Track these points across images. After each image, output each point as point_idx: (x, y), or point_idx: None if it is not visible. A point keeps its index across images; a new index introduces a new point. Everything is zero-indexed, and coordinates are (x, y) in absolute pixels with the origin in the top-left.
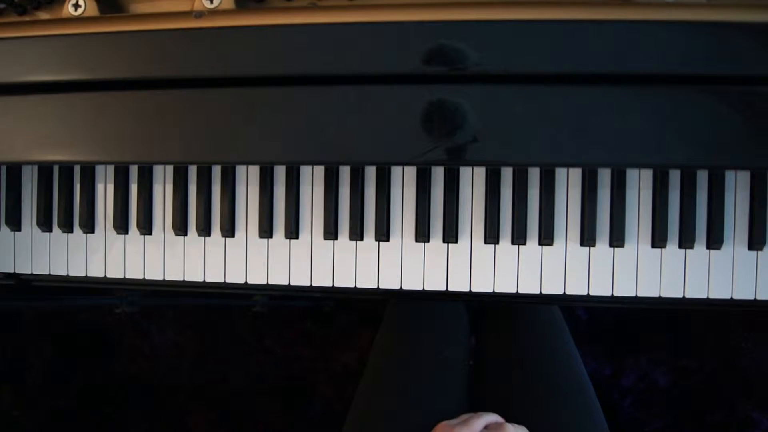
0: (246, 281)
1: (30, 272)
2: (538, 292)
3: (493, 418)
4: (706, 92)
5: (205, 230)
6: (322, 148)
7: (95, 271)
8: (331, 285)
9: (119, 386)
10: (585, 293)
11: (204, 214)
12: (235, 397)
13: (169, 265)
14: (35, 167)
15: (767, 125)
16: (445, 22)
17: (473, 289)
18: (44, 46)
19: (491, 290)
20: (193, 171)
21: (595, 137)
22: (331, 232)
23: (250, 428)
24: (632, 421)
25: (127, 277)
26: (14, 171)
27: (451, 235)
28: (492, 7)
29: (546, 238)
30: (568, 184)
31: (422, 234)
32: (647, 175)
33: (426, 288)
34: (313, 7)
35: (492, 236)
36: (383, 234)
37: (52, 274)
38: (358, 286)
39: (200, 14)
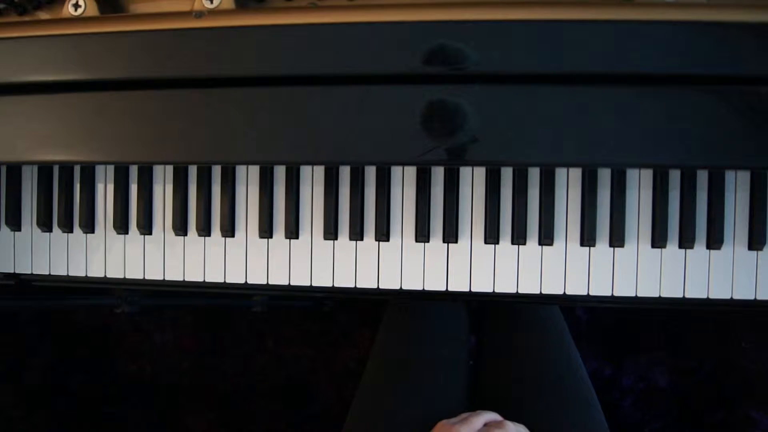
0: (246, 281)
1: (30, 272)
2: (538, 292)
3: (492, 416)
4: (706, 92)
5: (205, 230)
6: (322, 148)
7: (95, 271)
8: (331, 285)
9: (119, 386)
10: (585, 293)
11: (204, 214)
12: (235, 397)
13: (169, 265)
14: (35, 167)
15: (767, 125)
16: (445, 22)
17: (473, 289)
18: (44, 46)
19: (491, 290)
20: (193, 171)
21: (595, 137)
22: (331, 232)
23: (250, 428)
24: (632, 421)
25: (127, 277)
26: (14, 171)
27: (451, 235)
28: (492, 7)
29: (546, 238)
30: (568, 184)
31: (422, 234)
32: (647, 175)
33: (426, 288)
34: (313, 7)
35: (492, 236)
36: (383, 234)
37: (52, 274)
38: (358, 286)
39: (200, 14)
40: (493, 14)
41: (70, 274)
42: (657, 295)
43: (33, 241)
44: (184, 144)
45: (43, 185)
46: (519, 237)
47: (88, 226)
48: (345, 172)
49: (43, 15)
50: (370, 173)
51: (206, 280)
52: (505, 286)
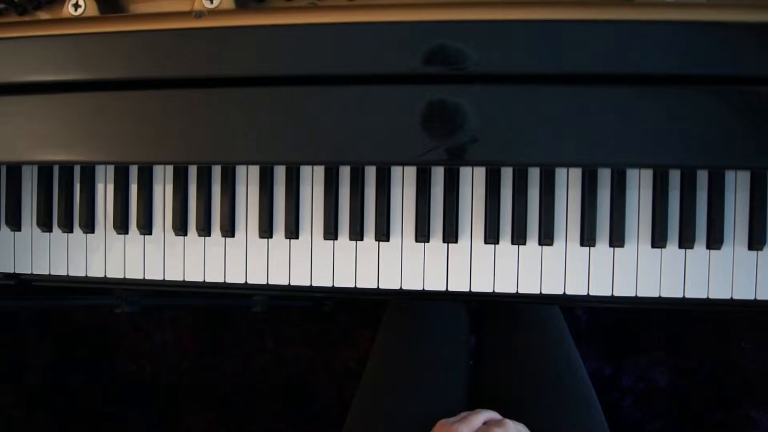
0: (246, 281)
1: (30, 272)
2: (538, 292)
3: (492, 415)
4: (706, 92)
5: (205, 230)
6: (322, 148)
7: (95, 271)
8: (331, 285)
9: (119, 386)
10: (585, 293)
11: (204, 214)
12: (235, 397)
13: (169, 265)
14: (35, 167)
15: (767, 125)
16: (445, 22)
17: (473, 289)
18: (44, 46)
19: (491, 290)
20: (193, 171)
21: (595, 137)
22: (331, 232)
23: (250, 428)
24: (632, 421)
25: (127, 277)
26: (14, 171)
27: (451, 235)
28: (492, 7)
29: (546, 238)
30: (568, 184)
31: (422, 234)
32: (647, 175)
33: (426, 288)
34: (313, 7)
35: (492, 236)
36: (383, 234)
37: (52, 274)
38: (358, 286)
39: (200, 14)
40: (493, 14)
41: (70, 274)
42: (657, 295)
43: (33, 241)
44: (184, 144)
45: (43, 185)
46: (519, 237)
47: (88, 226)
48: (345, 172)
49: (43, 15)
50: (370, 173)
51: (206, 280)
52: (505, 286)
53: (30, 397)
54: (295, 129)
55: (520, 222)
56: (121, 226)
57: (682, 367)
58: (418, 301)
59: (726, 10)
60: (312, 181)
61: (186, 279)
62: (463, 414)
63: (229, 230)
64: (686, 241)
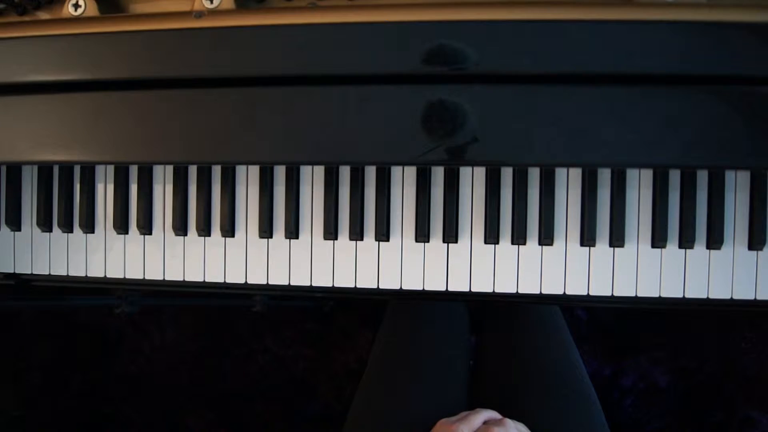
0: (246, 281)
1: (30, 272)
2: (538, 292)
3: (491, 414)
4: (706, 92)
5: (205, 230)
6: (322, 148)
7: (95, 271)
8: (331, 285)
9: (119, 386)
10: (585, 293)
11: (204, 214)
12: (235, 397)
13: (169, 265)
14: (35, 167)
15: (767, 125)
16: (445, 22)
17: (473, 289)
18: (44, 46)
19: (491, 290)
20: (193, 171)
21: (595, 137)
22: (331, 232)
23: (250, 428)
24: (632, 421)
25: (127, 277)
26: (14, 171)
27: (451, 235)
28: (492, 7)
29: (546, 238)
30: (568, 184)
31: (422, 234)
32: (647, 175)
33: (426, 288)
34: (313, 7)
35: (492, 236)
36: (383, 234)
37: (52, 274)
38: (358, 286)
39: (200, 14)
40: (493, 14)
41: (70, 274)
42: (657, 295)
43: (33, 241)
44: (184, 144)
45: (43, 185)
46: (519, 237)
47: (88, 226)
48: (345, 172)
49: (43, 15)
50: (370, 173)
51: (206, 280)
52: (505, 286)
53: (30, 397)
54: (295, 129)
55: (520, 222)
56: (121, 226)
57: (682, 367)
58: (418, 301)
59: (726, 10)
60: (312, 181)
61: (186, 279)
62: (463, 413)
63: (229, 230)
64: (686, 241)
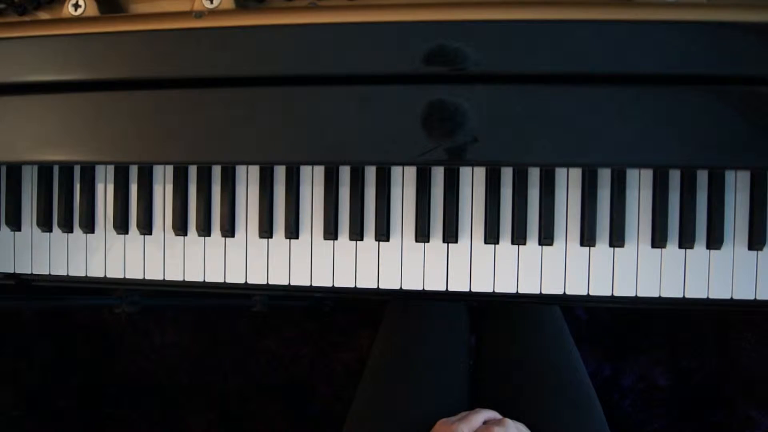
0: (246, 281)
1: (30, 272)
2: (538, 292)
3: (491, 414)
4: (706, 92)
5: (205, 230)
6: (322, 148)
7: (95, 271)
8: (331, 285)
9: (119, 386)
10: (585, 293)
11: (204, 214)
12: (235, 397)
13: (169, 265)
14: (35, 167)
15: (767, 125)
16: (445, 22)
17: (473, 289)
18: (44, 46)
19: (491, 290)
20: (193, 171)
21: (595, 137)
22: (331, 232)
23: (250, 428)
24: (632, 421)
25: (127, 277)
26: (14, 171)
27: (451, 235)
28: (492, 7)
29: (546, 238)
30: (568, 184)
31: (422, 234)
32: (647, 175)
33: (426, 288)
34: (313, 7)
35: (492, 236)
36: (383, 234)
37: (52, 274)
38: (358, 286)
39: (200, 14)
40: (493, 14)
41: (70, 274)
42: (657, 295)
43: (33, 241)
44: (184, 144)
45: (43, 185)
46: (519, 237)
47: (88, 226)
48: (345, 172)
49: (43, 15)
50: (370, 173)
51: (206, 280)
52: (505, 286)
53: (30, 397)
54: (295, 129)
55: (520, 222)
56: (121, 226)
57: (682, 367)
58: (418, 301)
59: (726, 10)
60: (312, 181)
61: (186, 279)
62: (463, 413)
63: (229, 230)
64: (686, 241)
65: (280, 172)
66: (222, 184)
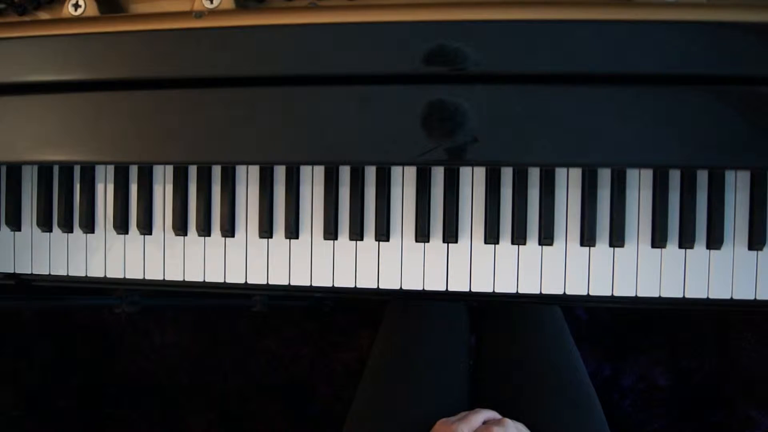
0: (246, 281)
1: (30, 272)
2: (538, 292)
3: (491, 414)
4: (706, 92)
5: (205, 230)
6: (322, 148)
7: (95, 271)
8: (331, 285)
9: (119, 386)
10: (585, 293)
11: (204, 214)
12: (235, 397)
13: (169, 265)
14: (35, 167)
15: (767, 125)
16: (445, 22)
17: (473, 289)
18: (44, 46)
19: (491, 290)
20: (193, 171)
21: (595, 137)
22: (331, 232)
23: (250, 428)
24: (632, 421)
25: (127, 277)
26: (14, 171)
27: (451, 235)
28: (492, 7)
29: (546, 238)
30: (568, 184)
31: (422, 234)
32: (647, 175)
33: (426, 288)
34: (313, 7)
35: (492, 236)
36: (383, 234)
37: (52, 274)
38: (358, 286)
39: (200, 14)
40: (493, 14)
41: (70, 274)
42: (657, 295)
43: (33, 241)
44: (184, 144)
45: (43, 185)
46: (519, 237)
47: (88, 226)
48: (345, 172)
49: (43, 15)
50: (370, 173)
51: (206, 280)
52: (505, 286)
53: (30, 397)
54: (295, 129)
55: (520, 222)
56: (121, 226)
57: (682, 367)
58: (418, 301)
59: (726, 10)
60: (312, 181)
61: (186, 279)
62: (463, 413)
63: (229, 230)
64: (686, 241)
65: (280, 172)
66: (222, 184)
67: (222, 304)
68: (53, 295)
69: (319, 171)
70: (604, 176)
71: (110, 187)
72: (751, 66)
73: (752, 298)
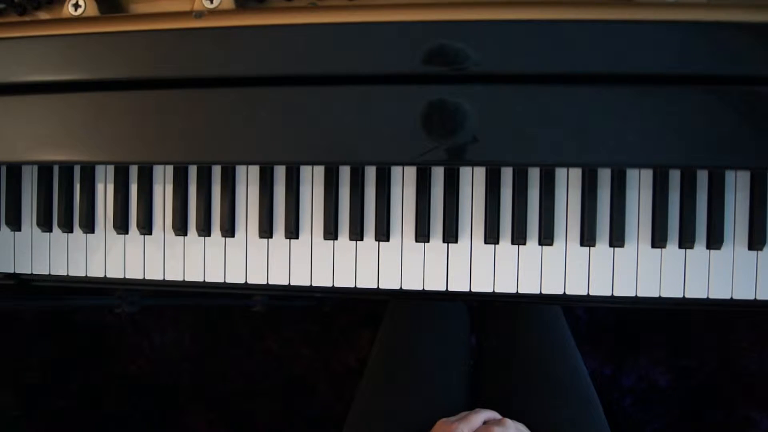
0: (246, 281)
1: (30, 272)
2: (538, 292)
3: (491, 414)
4: (706, 92)
5: (205, 230)
6: (322, 148)
7: (95, 271)
8: (331, 285)
9: (119, 386)
10: (585, 293)
11: (204, 214)
12: (235, 397)
13: (169, 265)
14: (35, 167)
15: (767, 125)
16: (445, 22)
17: (473, 289)
18: (44, 46)
19: (491, 290)
20: (193, 171)
21: (595, 137)
22: (331, 232)
23: (250, 428)
24: (632, 421)
25: (127, 277)
26: (14, 171)
27: (451, 235)
28: (492, 7)
29: (546, 238)
30: (568, 184)
31: (422, 234)
32: (647, 175)
33: (426, 288)
34: (313, 7)
35: (492, 236)
36: (383, 234)
37: (52, 274)
38: (358, 286)
39: (200, 14)
40: (493, 14)
41: (70, 274)
42: (657, 295)
43: (33, 241)
44: (184, 144)
45: (43, 185)
46: (519, 237)
47: (88, 226)
48: (345, 172)
49: (43, 15)
50: (370, 173)
51: (206, 280)
52: (505, 286)
53: (30, 397)
54: (295, 129)
55: (520, 222)
56: (121, 226)
57: (682, 367)
58: (418, 301)
59: (726, 10)
60: (312, 181)
61: (186, 279)
62: (463, 413)
63: (229, 230)
64: (686, 241)
65: (280, 172)
66: (222, 184)
67: (222, 304)
68: (53, 295)
69: (319, 171)
70: (604, 176)
71: (110, 187)
72: (751, 66)
73: (752, 298)
